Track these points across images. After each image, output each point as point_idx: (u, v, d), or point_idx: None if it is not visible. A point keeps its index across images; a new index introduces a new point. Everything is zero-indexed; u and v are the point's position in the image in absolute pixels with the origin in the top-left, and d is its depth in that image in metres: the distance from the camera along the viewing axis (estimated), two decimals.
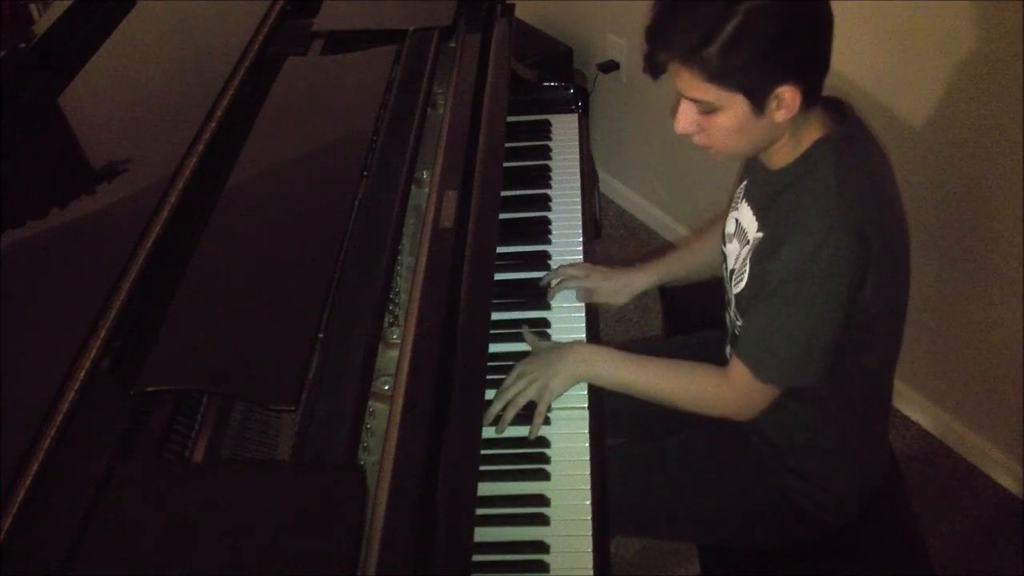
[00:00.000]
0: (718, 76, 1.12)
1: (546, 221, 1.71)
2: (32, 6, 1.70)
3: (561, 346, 1.41)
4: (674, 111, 1.21)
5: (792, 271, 1.19)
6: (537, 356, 1.39)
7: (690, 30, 1.11)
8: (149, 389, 1.02)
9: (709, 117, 1.18)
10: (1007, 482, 2.13)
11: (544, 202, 1.74)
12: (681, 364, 1.39)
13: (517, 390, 1.34)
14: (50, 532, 0.91)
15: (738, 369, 1.27)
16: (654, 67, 1.17)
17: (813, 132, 1.23)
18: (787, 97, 1.14)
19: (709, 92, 1.14)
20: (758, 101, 1.14)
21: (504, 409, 1.34)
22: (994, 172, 1.83)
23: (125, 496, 0.91)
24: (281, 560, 0.86)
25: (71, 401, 0.97)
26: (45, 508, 0.91)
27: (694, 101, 1.17)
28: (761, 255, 1.26)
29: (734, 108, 1.15)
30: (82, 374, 0.99)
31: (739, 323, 1.36)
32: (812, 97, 1.17)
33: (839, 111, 1.25)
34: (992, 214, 1.88)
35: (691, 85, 1.15)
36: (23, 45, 1.51)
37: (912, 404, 2.26)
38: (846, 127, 1.23)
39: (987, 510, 2.10)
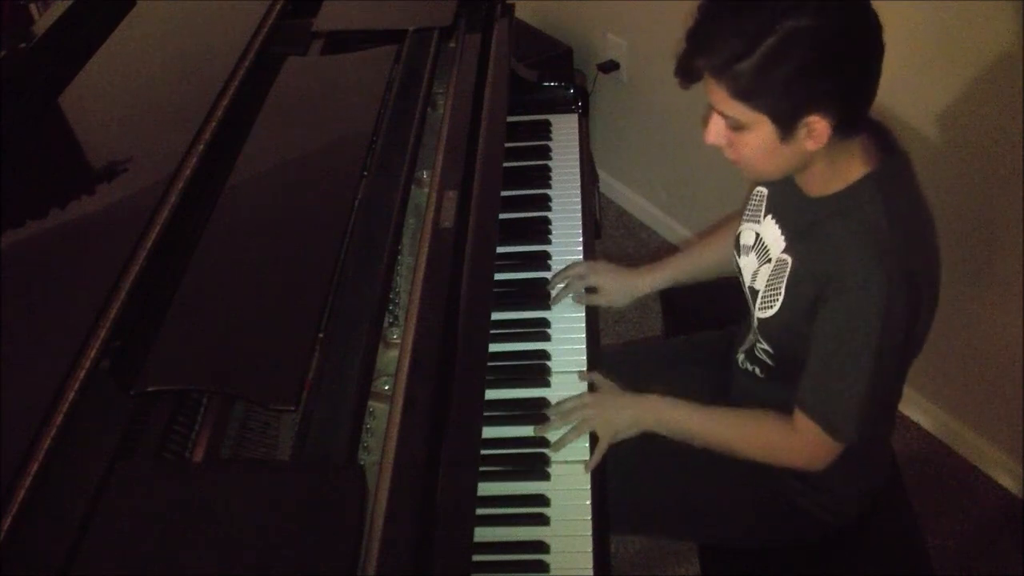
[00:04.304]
0: (746, 94, 1.09)
1: (546, 221, 1.71)
2: (32, 6, 1.70)
3: (630, 393, 1.40)
4: (705, 120, 1.18)
5: (850, 326, 1.16)
6: (606, 395, 1.39)
7: (727, 42, 1.06)
8: (149, 389, 1.02)
9: (737, 134, 1.15)
10: (1007, 482, 2.13)
11: (544, 202, 1.74)
12: (747, 415, 1.36)
13: (584, 415, 1.34)
14: (50, 532, 0.91)
15: (807, 424, 1.24)
16: (687, 73, 1.12)
17: (857, 164, 1.19)
18: (817, 128, 1.10)
19: (736, 109, 1.11)
20: (785, 127, 1.11)
21: (564, 434, 1.34)
22: (994, 173, 1.83)
23: (125, 496, 0.91)
24: (281, 560, 0.86)
25: (71, 401, 0.97)
26: (45, 508, 0.91)
27: (722, 115, 1.15)
28: (801, 293, 1.23)
29: (760, 129, 1.12)
30: (82, 374, 0.99)
31: (761, 345, 1.35)
32: (849, 129, 1.13)
33: (884, 140, 1.21)
34: (992, 215, 1.88)
35: (720, 98, 1.12)
36: (23, 45, 1.51)
37: (912, 404, 2.26)
38: (892, 161, 1.20)
39: (987, 510, 2.10)
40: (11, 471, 0.90)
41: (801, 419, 1.25)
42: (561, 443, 1.33)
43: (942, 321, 2.06)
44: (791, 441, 1.28)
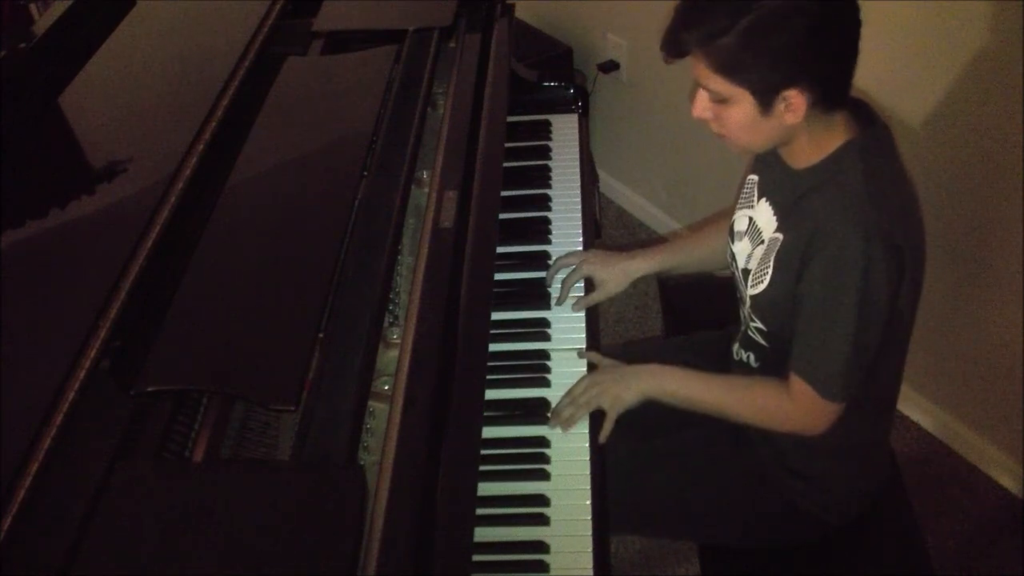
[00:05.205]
0: (727, 69, 1.13)
1: (546, 221, 1.71)
2: (32, 6, 1.70)
3: (630, 365, 1.43)
4: (692, 95, 1.23)
5: (832, 284, 1.19)
6: (607, 370, 1.42)
7: (710, 17, 1.11)
8: (149, 389, 1.02)
9: (721, 107, 1.19)
10: (1007, 482, 2.13)
11: (544, 202, 1.74)
12: (745, 381, 1.40)
13: (590, 396, 1.37)
14: (50, 532, 0.91)
15: (800, 387, 1.27)
16: (673, 47, 1.17)
17: (838, 135, 1.22)
18: (795, 102, 1.14)
19: (718, 83, 1.15)
20: (764, 101, 1.15)
21: (573, 412, 1.36)
22: (994, 172, 1.83)
23: (125, 496, 0.91)
24: (281, 560, 0.86)
25: (71, 401, 0.97)
26: (45, 508, 0.91)
27: (707, 89, 1.18)
28: (788, 262, 1.26)
29: (741, 103, 1.16)
30: (82, 374, 0.99)
31: (754, 324, 1.36)
32: (829, 103, 1.17)
33: (866, 115, 1.24)
34: (992, 214, 1.88)
35: (703, 73, 1.16)
36: (23, 45, 1.51)
37: (912, 404, 2.26)
38: (873, 132, 1.23)
39: (987, 510, 2.10)
40: (11, 471, 0.90)
41: (794, 381, 1.28)
42: (570, 422, 1.35)
43: (942, 321, 2.08)
44: (787, 405, 1.30)
